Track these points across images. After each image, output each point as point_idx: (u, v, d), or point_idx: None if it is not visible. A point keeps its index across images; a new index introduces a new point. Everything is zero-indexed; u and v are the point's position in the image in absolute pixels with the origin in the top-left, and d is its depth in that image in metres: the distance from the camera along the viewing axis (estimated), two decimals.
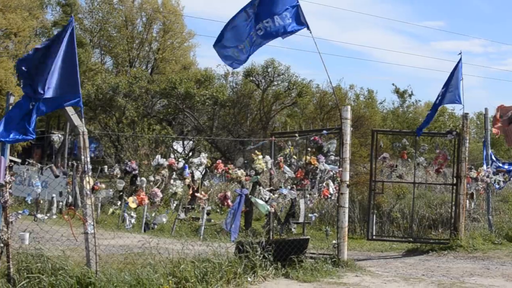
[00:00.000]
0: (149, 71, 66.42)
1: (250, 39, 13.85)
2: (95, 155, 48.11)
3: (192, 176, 23.51)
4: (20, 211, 10.84)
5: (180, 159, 27.59)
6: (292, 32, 14.15)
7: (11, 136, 9.86)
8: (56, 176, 22.74)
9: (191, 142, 51.96)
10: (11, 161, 10.28)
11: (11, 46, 53.65)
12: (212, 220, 24.78)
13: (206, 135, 47.28)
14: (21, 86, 10.30)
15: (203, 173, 26.34)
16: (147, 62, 69.94)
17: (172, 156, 43.08)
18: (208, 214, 24.37)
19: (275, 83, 51.55)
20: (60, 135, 53.95)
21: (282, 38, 14.29)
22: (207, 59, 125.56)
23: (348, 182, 14.55)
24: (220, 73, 54.63)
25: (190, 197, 23.57)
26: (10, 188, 10.08)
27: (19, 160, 38.21)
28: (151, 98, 51.78)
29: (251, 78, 50.92)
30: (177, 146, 52.04)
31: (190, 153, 50.48)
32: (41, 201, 25.44)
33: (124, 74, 59.83)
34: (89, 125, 47.38)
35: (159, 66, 67.62)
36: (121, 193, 24.05)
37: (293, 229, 21.66)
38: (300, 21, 13.94)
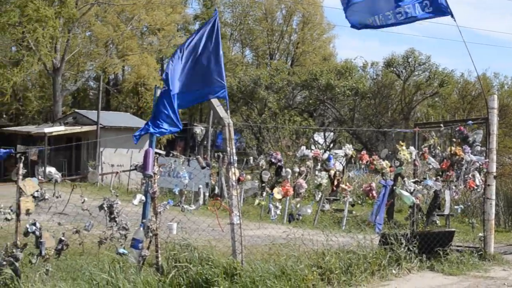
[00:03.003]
0: (289, 63, 66.78)
1: (386, 18, 13.56)
2: (237, 146, 48.74)
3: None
4: (165, 202, 11.05)
5: (322, 151, 27.69)
6: (430, 17, 13.85)
7: (161, 128, 10.11)
8: (203, 167, 23.17)
9: (332, 133, 51.97)
10: (156, 153, 10.51)
11: (155, 41, 55.24)
12: (354, 212, 24.64)
13: (347, 126, 47.11)
14: (163, 79, 10.48)
15: (344, 165, 26.32)
16: (287, 54, 70.40)
17: (313, 147, 43.22)
18: (352, 205, 24.27)
19: (416, 73, 50.83)
20: (202, 128, 55.01)
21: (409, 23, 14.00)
22: (346, 50, 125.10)
23: (495, 173, 14.13)
24: (359, 64, 54.30)
25: (334, 188, 23.57)
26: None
27: (163, 152, 39.25)
28: (292, 90, 52.07)
29: (392, 68, 50.43)
30: (318, 138, 52.18)
31: (331, 145, 50.50)
32: (185, 192, 25.97)
33: (264, 67, 60.41)
34: (231, 117, 48.22)
35: (299, 58, 67.88)
36: (263, 185, 24.34)
37: (437, 221, 21.27)
38: (440, 8, 13.59)
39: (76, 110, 46.77)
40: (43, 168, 35.24)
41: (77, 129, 40.40)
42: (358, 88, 48.27)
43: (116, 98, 60.66)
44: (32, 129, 43.12)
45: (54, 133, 39.30)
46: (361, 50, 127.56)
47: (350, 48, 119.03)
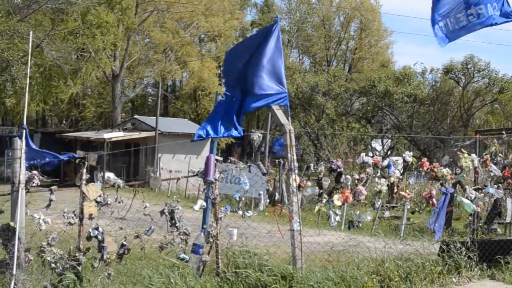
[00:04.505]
0: (347, 69, 66.58)
1: (457, 20, 13.36)
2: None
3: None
4: (223, 208, 11.13)
5: (380, 158, 27.51)
6: (497, 24, 13.65)
7: (219, 132, 10.20)
8: (264, 174, 23.27)
9: (389, 140, 51.71)
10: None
11: (214, 48, 55.55)
12: (412, 219, 24.46)
13: (405, 133, 46.83)
14: (224, 84, 10.58)
15: (402, 171, 26.18)
16: (344, 61, 70.18)
17: (370, 154, 43.07)
18: (412, 213, 24.10)
19: (475, 79, 50.23)
20: (259, 134, 55.10)
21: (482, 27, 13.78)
22: (404, 56, 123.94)
23: None
24: (418, 71, 53.85)
25: (394, 195, 23.43)
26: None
27: (221, 158, 39.46)
28: (350, 97, 51.97)
29: (451, 74, 49.95)
30: (376, 145, 51.96)
31: (389, 152, 50.24)
32: (242, 198, 26.06)
33: (322, 73, 60.36)
34: None
35: (356, 64, 67.70)
36: (321, 191, 24.33)
37: (498, 230, 21.01)
38: (506, 13, 13.43)
39: (135, 116, 47.22)
40: (102, 173, 35.65)
41: (135, 135, 40.74)
42: (417, 95, 47.96)
43: (174, 105, 61.06)
44: (91, 134, 43.65)
45: (113, 139, 39.71)
46: (419, 56, 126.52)
47: (408, 54, 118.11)
